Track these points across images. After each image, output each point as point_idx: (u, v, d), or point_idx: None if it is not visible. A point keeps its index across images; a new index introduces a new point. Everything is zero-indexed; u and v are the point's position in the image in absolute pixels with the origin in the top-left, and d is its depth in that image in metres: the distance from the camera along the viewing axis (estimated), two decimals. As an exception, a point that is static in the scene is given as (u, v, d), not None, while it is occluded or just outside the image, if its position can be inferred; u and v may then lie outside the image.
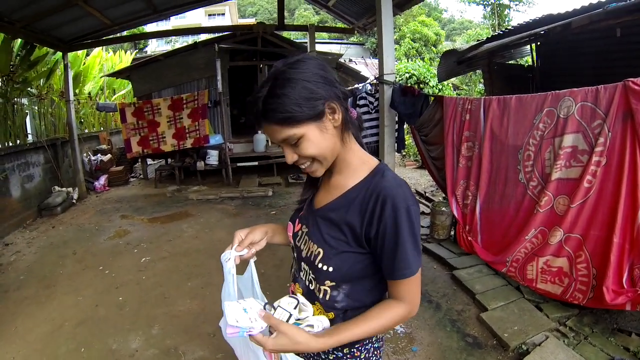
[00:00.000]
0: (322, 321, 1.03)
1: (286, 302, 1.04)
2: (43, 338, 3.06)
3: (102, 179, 8.39)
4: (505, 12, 18.91)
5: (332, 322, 1.06)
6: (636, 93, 2.28)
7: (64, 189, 7.14)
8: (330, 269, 1.03)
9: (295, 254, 1.19)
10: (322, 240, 1.06)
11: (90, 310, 3.45)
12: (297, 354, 0.98)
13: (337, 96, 0.98)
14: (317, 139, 0.97)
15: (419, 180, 8.05)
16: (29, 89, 7.42)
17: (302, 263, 1.13)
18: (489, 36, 5.95)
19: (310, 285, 1.10)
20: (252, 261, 1.21)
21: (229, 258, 1.13)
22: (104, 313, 3.39)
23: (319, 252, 1.05)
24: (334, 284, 1.05)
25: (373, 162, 1.09)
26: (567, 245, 2.71)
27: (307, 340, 0.92)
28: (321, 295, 1.07)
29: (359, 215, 1.01)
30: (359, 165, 1.08)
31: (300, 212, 1.21)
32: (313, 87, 0.94)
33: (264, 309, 0.98)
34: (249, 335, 0.92)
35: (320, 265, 1.04)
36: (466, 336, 2.94)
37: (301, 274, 1.14)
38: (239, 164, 8.52)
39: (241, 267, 1.15)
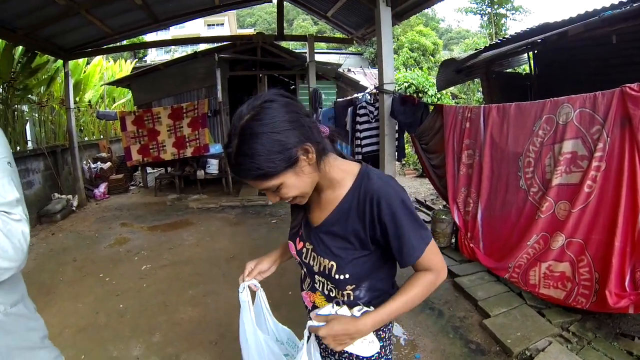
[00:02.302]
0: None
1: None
2: (42, 345, 3.03)
3: (102, 187, 8.38)
4: (502, 21, 19.11)
5: None
6: (633, 98, 2.31)
7: (63, 196, 7.12)
8: (347, 276, 1.10)
9: (305, 269, 1.25)
10: (332, 254, 1.11)
11: (90, 317, 3.41)
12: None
13: (307, 136, 0.96)
14: (295, 182, 0.99)
15: (419, 188, 8.06)
16: (29, 96, 7.47)
17: (316, 276, 1.19)
18: (487, 45, 6.01)
19: (332, 292, 1.17)
20: (258, 292, 1.31)
21: (243, 289, 1.25)
22: (105, 320, 3.35)
23: (332, 266, 1.11)
24: (354, 286, 1.13)
25: (355, 168, 1.13)
26: (569, 250, 2.72)
27: (361, 320, 1.03)
28: (345, 298, 1.14)
29: (360, 221, 1.07)
30: (343, 176, 1.11)
31: (298, 231, 1.25)
32: (283, 138, 0.92)
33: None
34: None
35: (337, 277, 1.11)
36: (469, 343, 2.93)
37: (317, 285, 1.21)
38: (239, 173, 8.49)
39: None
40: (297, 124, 0.94)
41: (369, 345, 1.10)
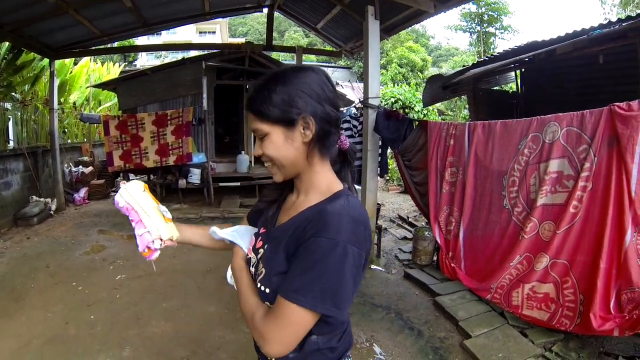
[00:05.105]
0: None
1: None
2: (8, 355, 2.88)
3: (82, 192, 8.18)
4: (491, 40, 19.44)
5: None
6: (622, 117, 2.29)
7: (42, 199, 6.91)
8: (268, 290, 0.99)
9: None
10: (269, 262, 1.02)
11: (59, 327, 3.28)
12: None
13: (316, 114, 0.98)
14: (279, 143, 0.99)
15: (402, 205, 8.03)
16: (13, 93, 7.29)
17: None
18: (475, 62, 6.05)
19: None
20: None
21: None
22: (74, 331, 3.23)
23: (261, 272, 1.02)
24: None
25: (338, 187, 1.05)
26: (553, 271, 2.67)
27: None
28: None
29: (294, 236, 0.97)
30: (324, 190, 1.03)
31: (264, 226, 1.15)
32: (296, 97, 0.96)
33: None
34: None
35: (259, 285, 1.02)
36: (450, 364, 2.86)
37: None
38: (221, 184, 8.35)
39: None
40: (316, 99, 0.98)
41: None
